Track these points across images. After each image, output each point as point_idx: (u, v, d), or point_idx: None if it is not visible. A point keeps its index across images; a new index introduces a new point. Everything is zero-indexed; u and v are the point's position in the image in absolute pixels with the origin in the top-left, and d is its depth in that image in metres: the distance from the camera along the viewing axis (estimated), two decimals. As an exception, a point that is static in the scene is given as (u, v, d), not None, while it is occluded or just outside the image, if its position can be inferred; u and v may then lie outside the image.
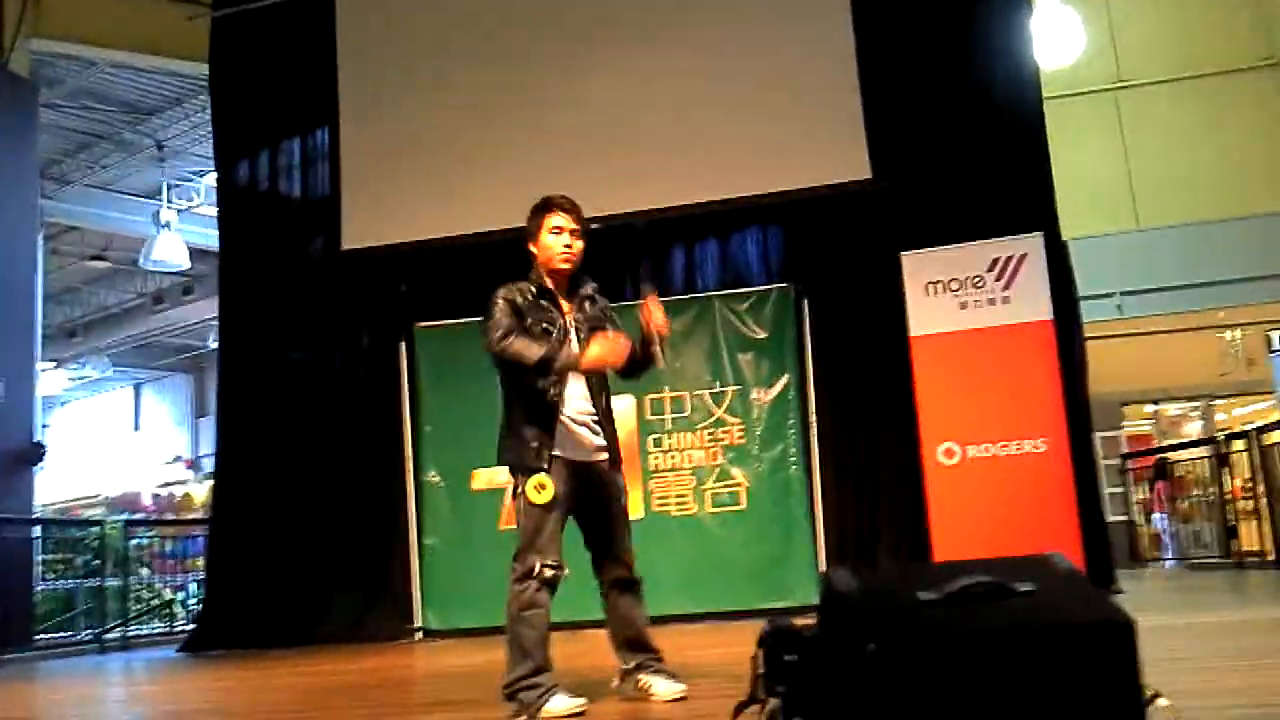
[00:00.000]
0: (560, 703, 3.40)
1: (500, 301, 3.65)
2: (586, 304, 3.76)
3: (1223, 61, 12.96)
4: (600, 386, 3.73)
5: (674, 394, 7.67)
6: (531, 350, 3.53)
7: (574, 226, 3.72)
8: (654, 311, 3.62)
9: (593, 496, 3.65)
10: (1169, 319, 12.68)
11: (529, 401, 3.60)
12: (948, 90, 7.58)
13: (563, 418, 3.59)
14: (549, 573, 3.49)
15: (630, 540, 3.73)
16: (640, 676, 3.65)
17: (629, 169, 7.68)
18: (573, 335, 3.64)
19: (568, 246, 3.70)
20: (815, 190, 7.53)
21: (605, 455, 3.68)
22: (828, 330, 7.64)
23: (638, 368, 3.73)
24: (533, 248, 3.76)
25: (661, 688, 3.58)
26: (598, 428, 3.68)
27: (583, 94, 7.88)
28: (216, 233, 9.04)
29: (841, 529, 7.45)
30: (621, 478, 3.79)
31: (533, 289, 3.68)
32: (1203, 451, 11.25)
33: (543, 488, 3.51)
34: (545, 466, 3.53)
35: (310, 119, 8.68)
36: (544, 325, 3.62)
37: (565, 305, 3.71)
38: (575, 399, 3.64)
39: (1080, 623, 2.17)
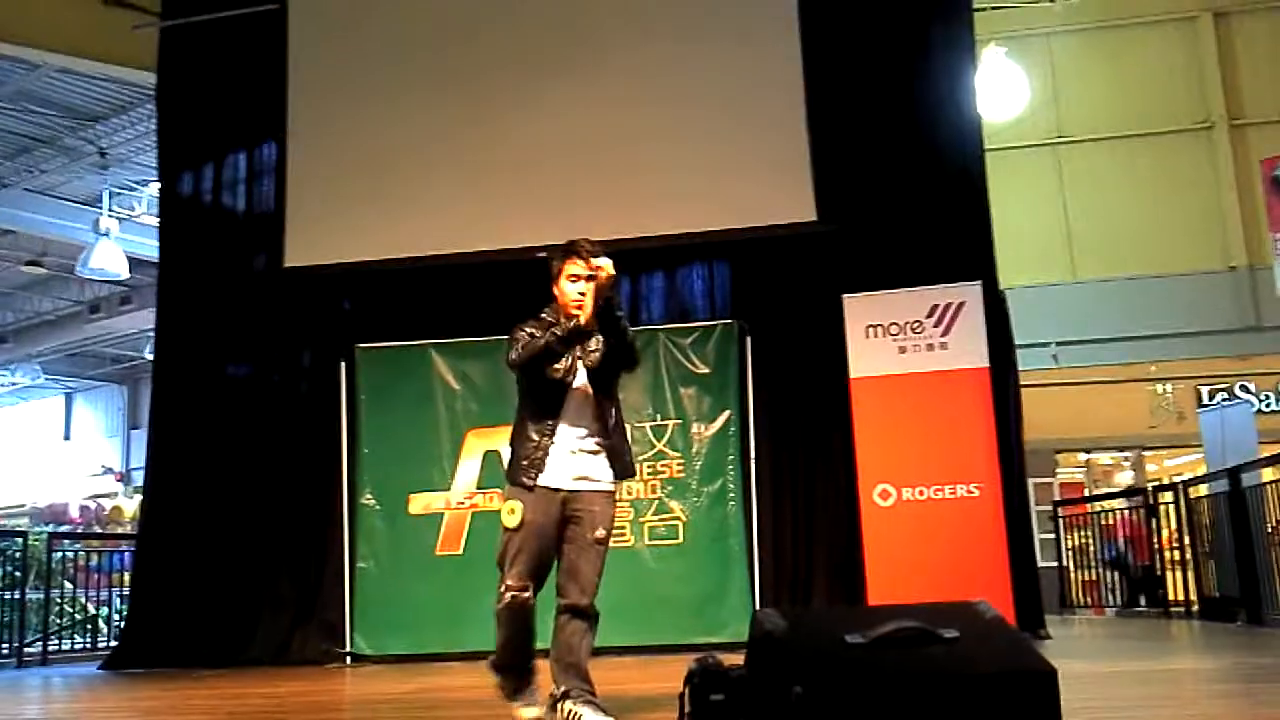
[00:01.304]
0: (529, 711, 3.73)
1: (520, 332, 3.81)
2: (592, 342, 3.83)
3: (1161, 122, 13.36)
4: (608, 406, 3.82)
5: (615, 425, 7.63)
6: (537, 342, 3.72)
7: (609, 268, 3.77)
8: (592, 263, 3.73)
9: (571, 522, 3.74)
10: (1103, 370, 12.96)
11: (524, 427, 3.79)
12: (893, 138, 7.71)
13: (555, 445, 3.73)
14: (508, 596, 3.67)
15: (598, 568, 3.77)
16: (568, 704, 3.64)
17: (578, 200, 7.70)
18: (581, 367, 3.78)
19: (581, 294, 3.75)
20: (761, 230, 7.59)
21: (596, 484, 3.77)
22: (770, 368, 7.69)
23: (617, 343, 3.82)
24: (554, 288, 3.84)
25: (589, 718, 3.57)
26: (597, 454, 3.78)
27: (534, 123, 7.89)
28: (157, 243, 8.90)
29: (778, 566, 7.47)
30: (614, 504, 3.85)
31: (550, 323, 3.79)
32: (1133, 502, 11.45)
33: (512, 512, 3.69)
34: (524, 488, 3.71)
35: (257, 133, 8.59)
36: (556, 364, 3.77)
37: (577, 348, 3.82)
38: (573, 426, 3.76)
39: (1002, 670, 2.21)
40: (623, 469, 3.87)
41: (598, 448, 3.79)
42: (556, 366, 3.75)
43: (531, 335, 3.76)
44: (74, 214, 15.35)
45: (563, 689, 3.67)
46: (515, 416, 3.87)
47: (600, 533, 3.73)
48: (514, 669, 3.79)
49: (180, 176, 8.70)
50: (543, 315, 3.83)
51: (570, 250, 3.81)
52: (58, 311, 20.05)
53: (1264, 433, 10.47)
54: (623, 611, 7.21)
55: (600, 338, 3.82)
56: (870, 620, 2.29)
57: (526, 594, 3.67)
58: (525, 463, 3.72)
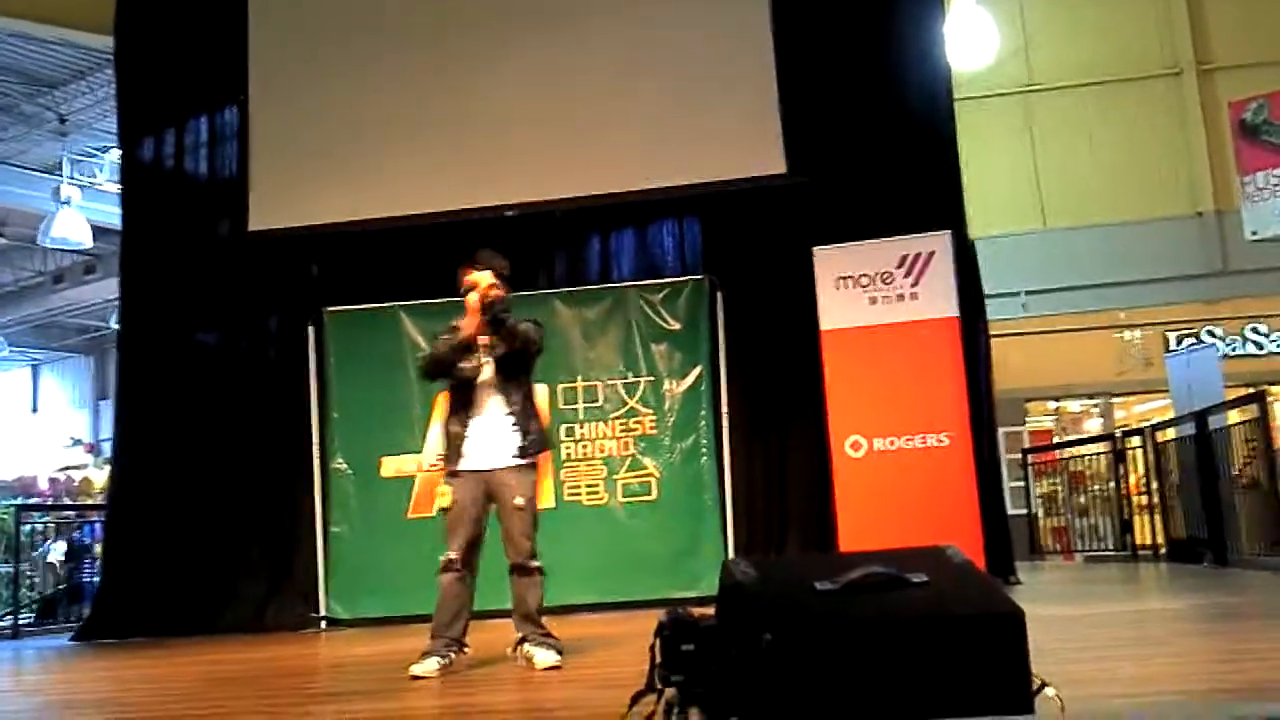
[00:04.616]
0: (420, 666, 4.10)
1: (436, 342, 4.54)
2: (493, 324, 4.39)
3: (1130, 69, 13.36)
4: (516, 384, 4.39)
5: (587, 383, 7.66)
6: (440, 348, 4.46)
7: (490, 281, 4.40)
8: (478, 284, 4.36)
9: (496, 496, 4.34)
10: (1071, 318, 13.03)
11: (448, 419, 4.43)
12: (862, 89, 7.67)
13: (471, 433, 4.33)
14: (444, 562, 4.27)
15: (526, 529, 4.32)
16: (525, 647, 4.26)
17: (547, 156, 7.64)
18: (486, 365, 4.37)
19: (488, 290, 4.37)
20: (731, 183, 7.56)
21: (509, 460, 4.32)
22: (741, 322, 7.69)
23: (507, 345, 4.37)
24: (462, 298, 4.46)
25: (540, 657, 4.16)
26: (510, 431, 4.34)
27: (501, 80, 7.80)
28: (119, 211, 8.77)
29: (751, 519, 7.51)
30: (531, 472, 4.39)
31: (458, 331, 4.42)
32: (1101, 448, 11.56)
33: (443, 495, 4.34)
34: (450, 476, 4.35)
35: (219, 97, 8.43)
36: (462, 364, 4.39)
37: (483, 340, 4.39)
38: (486, 410, 4.36)
39: (971, 614, 2.22)
40: (530, 445, 4.36)
41: (510, 430, 4.34)
42: (463, 366, 4.36)
43: (436, 346, 4.47)
44: (34, 182, 15.12)
45: (519, 635, 4.32)
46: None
47: (519, 500, 4.29)
48: (443, 637, 4.21)
49: (141, 142, 8.55)
50: (454, 324, 4.45)
51: (467, 263, 4.47)
52: (20, 282, 19.79)
53: (1230, 376, 10.58)
54: (598, 568, 7.31)
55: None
56: (840, 567, 2.29)
57: (458, 559, 4.24)
58: (450, 452, 4.35)
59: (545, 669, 4.09)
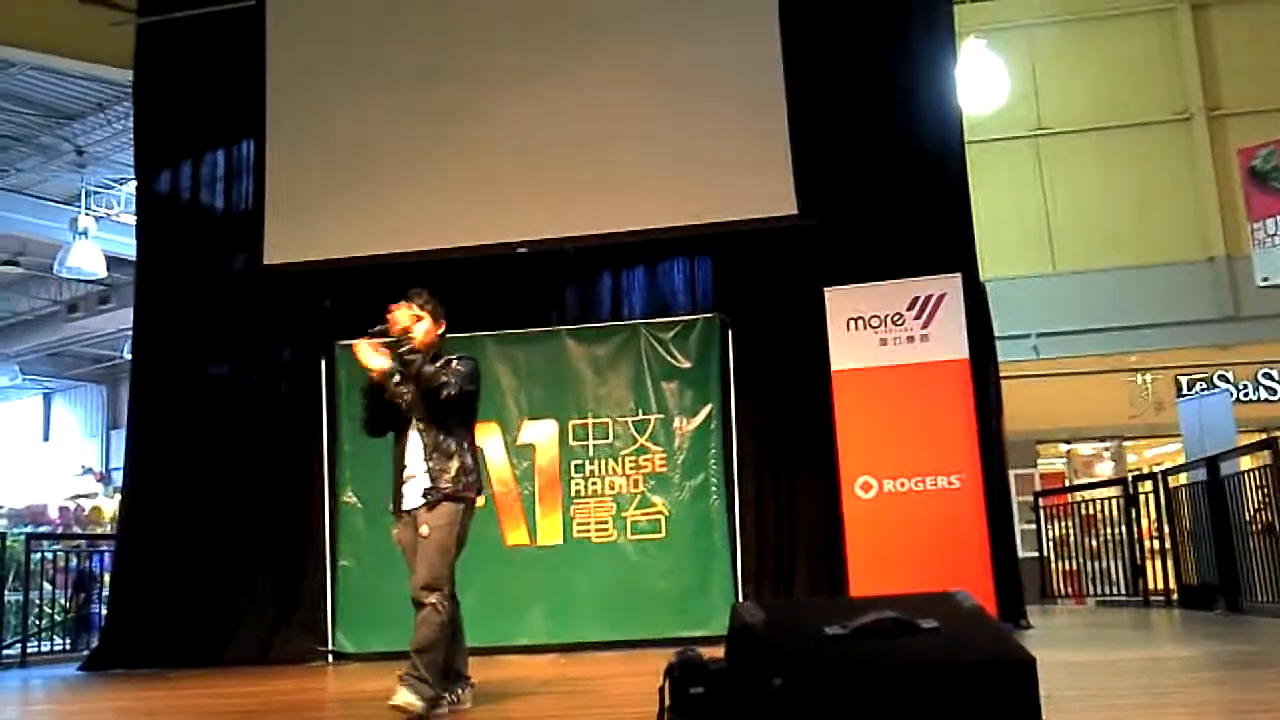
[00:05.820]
0: (398, 696, 4.05)
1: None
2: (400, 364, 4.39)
3: (1140, 113, 13.41)
4: (434, 429, 4.33)
5: (597, 420, 7.66)
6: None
7: (414, 312, 4.48)
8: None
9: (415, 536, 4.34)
10: (1083, 361, 13.01)
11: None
12: (873, 131, 7.72)
13: (405, 473, 4.38)
14: (415, 603, 4.29)
15: (427, 564, 4.27)
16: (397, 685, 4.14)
17: (560, 194, 7.69)
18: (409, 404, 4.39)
19: (402, 330, 4.41)
20: (743, 224, 7.59)
21: (425, 500, 4.30)
22: (752, 361, 7.70)
23: (417, 387, 4.32)
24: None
25: (399, 696, 4.03)
26: (425, 477, 4.31)
27: (515, 119, 7.87)
28: (135, 242, 8.84)
29: (761, 559, 7.49)
30: (445, 506, 4.29)
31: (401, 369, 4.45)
32: (1113, 491, 11.51)
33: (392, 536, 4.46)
34: (395, 518, 4.44)
35: (235, 131, 8.53)
36: (404, 392, 4.42)
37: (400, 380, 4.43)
38: (409, 457, 4.38)
39: (982, 660, 2.21)
40: (439, 493, 4.28)
41: (424, 472, 4.33)
42: (400, 397, 4.38)
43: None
44: (51, 213, 15.23)
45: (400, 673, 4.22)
46: None
47: (424, 530, 4.27)
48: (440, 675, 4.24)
49: (158, 175, 8.65)
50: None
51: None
52: (35, 311, 19.91)
53: (1242, 422, 10.54)
54: (606, 605, 7.29)
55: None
56: (850, 612, 2.29)
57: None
58: (393, 492, 4.42)
59: (392, 706, 3.99)
